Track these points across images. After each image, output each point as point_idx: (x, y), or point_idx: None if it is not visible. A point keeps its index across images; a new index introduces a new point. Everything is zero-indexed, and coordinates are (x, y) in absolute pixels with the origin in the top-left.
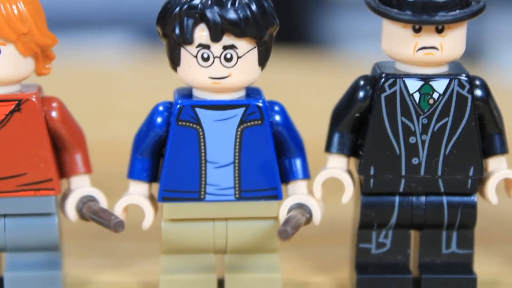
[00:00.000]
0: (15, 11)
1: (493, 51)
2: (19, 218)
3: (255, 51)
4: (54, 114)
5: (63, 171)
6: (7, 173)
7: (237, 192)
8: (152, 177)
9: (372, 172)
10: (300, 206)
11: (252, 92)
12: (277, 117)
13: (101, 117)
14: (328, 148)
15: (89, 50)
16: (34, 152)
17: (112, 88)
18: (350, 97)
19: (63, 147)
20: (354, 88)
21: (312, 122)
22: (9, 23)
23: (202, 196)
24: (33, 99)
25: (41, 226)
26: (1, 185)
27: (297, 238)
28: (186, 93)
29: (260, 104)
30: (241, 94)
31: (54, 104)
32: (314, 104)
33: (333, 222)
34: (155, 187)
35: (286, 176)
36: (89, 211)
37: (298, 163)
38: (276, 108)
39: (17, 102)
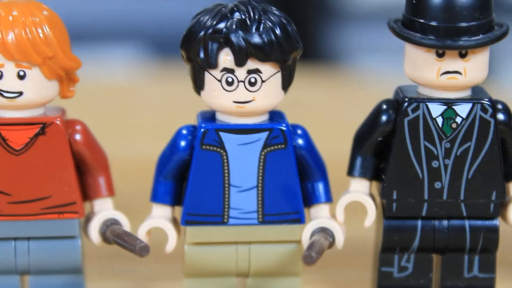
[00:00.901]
0: (41, 35)
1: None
2: (43, 241)
3: (279, 75)
4: (78, 137)
5: (86, 194)
6: (31, 196)
7: (260, 216)
8: (175, 201)
9: (395, 196)
10: (323, 230)
11: (275, 116)
12: (300, 141)
13: (112, 133)
14: (350, 172)
15: (98, 64)
16: (58, 175)
17: (122, 103)
18: (373, 120)
19: (86, 170)
20: (377, 112)
21: (327, 139)
22: (34, 47)
23: (225, 220)
24: (58, 122)
25: (64, 249)
26: (25, 208)
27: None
28: (209, 117)
29: (284, 128)
30: (264, 117)
31: (78, 127)
32: (328, 121)
33: (353, 245)
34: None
35: (309, 199)
36: (113, 234)
37: (320, 186)
38: (299, 131)
39: (41, 125)
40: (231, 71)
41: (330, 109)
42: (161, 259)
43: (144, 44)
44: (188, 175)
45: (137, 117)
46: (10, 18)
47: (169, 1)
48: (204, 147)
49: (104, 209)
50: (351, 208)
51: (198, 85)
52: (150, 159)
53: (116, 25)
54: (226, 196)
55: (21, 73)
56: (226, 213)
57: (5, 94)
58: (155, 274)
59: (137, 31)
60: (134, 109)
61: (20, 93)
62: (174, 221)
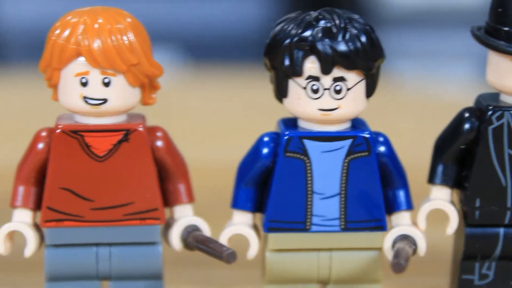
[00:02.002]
0: (126, 42)
1: None
2: (124, 247)
3: (363, 83)
4: (159, 143)
5: (167, 200)
6: (114, 202)
7: (342, 223)
8: (256, 207)
9: (477, 204)
10: (406, 238)
11: (357, 123)
12: (382, 148)
13: None
14: (431, 179)
15: None
16: (141, 182)
17: (159, 107)
18: (455, 128)
19: (166, 177)
20: (459, 120)
21: None
22: (120, 54)
23: (307, 227)
24: (141, 129)
25: (146, 255)
26: (108, 214)
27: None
28: (291, 124)
29: (367, 136)
30: (347, 125)
31: (159, 134)
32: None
33: (429, 252)
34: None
35: (390, 207)
36: (196, 240)
37: (401, 194)
38: (381, 139)
39: (125, 132)
40: (316, 79)
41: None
42: (237, 265)
43: (175, 48)
44: (270, 182)
45: (172, 121)
46: (96, 25)
47: (198, 6)
48: (287, 154)
49: (184, 215)
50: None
51: (282, 93)
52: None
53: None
54: (309, 203)
55: (106, 80)
56: (308, 220)
57: (90, 101)
58: (232, 280)
59: (168, 35)
60: (170, 113)
61: (105, 100)
62: (255, 227)
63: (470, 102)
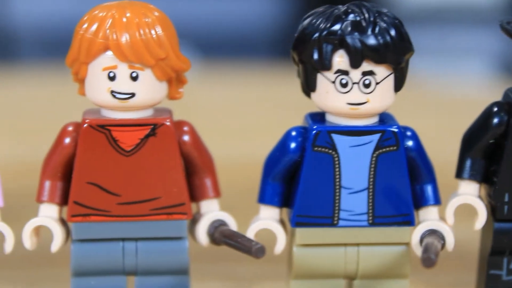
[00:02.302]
0: (154, 36)
1: None
2: (150, 242)
3: (392, 77)
4: (186, 138)
5: (193, 195)
6: (141, 197)
7: (370, 218)
8: (283, 202)
9: (506, 199)
10: (434, 232)
11: (385, 118)
12: (410, 143)
13: None
14: (459, 174)
15: None
16: (168, 176)
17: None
18: (483, 123)
19: (193, 171)
20: (488, 114)
21: None
22: (148, 48)
23: (335, 222)
24: (168, 124)
25: (172, 250)
26: (134, 209)
27: (417, 263)
28: (319, 118)
29: (396, 130)
30: (375, 119)
31: (186, 128)
32: None
33: (455, 247)
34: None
35: (418, 201)
36: (223, 235)
37: (429, 189)
38: (409, 133)
39: (152, 126)
40: (345, 72)
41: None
42: (262, 260)
43: (186, 45)
44: (297, 177)
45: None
46: (124, 19)
47: (209, 3)
48: (315, 148)
49: (211, 210)
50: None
51: (310, 87)
52: None
53: None
54: (337, 197)
55: (134, 75)
56: (336, 214)
57: (118, 96)
58: (257, 275)
59: (179, 33)
60: (185, 110)
61: (133, 95)
62: (282, 222)
63: (486, 98)
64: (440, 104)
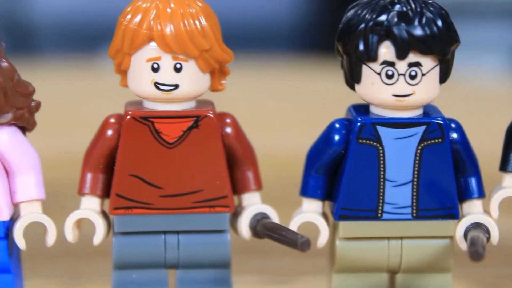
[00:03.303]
0: (198, 27)
1: None
2: (192, 235)
3: (438, 68)
4: (229, 130)
5: (235, 187)
6: (183, 190)
7: (414, 211)
8: (326, 195)
9: None
10: (478, 226)
11: (429, 110)
12: (455, 135)
13: None
14: (504, 167)
15: None
16: (210, 169)
17: None
18: None
19: (235, 164)
20: None
21: None
22: (192, 39)
23: (379, 215)
24: (211, 115)
25: (214, 243)
26: (177, 201)
27: (460, 257)
28: (362, 110)
29: (442, 122)
30: (419, 111)
31: (228, 120)
32: None
33: (499, 240)
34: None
35: (462, 195)
36: (266, 228)
37: (473, 181)
38: (453, 125)
39: (195, 118)
40: (391, 64)
41: None
42: (300, 253)
43: None
44: (341, 169)
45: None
46: (168, 10)
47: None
48: (360, 141)
49: (252, 203)
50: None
51: (355, 78)
52: None
53: None
54: (381, 190)
55: (178, 66)
56: (380, 208)
57: (162, 87)
58: (295, 269)
59: None
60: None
61: (176, 86)
62: (325, 215)
63: (507, 91)
64: (465, 96)
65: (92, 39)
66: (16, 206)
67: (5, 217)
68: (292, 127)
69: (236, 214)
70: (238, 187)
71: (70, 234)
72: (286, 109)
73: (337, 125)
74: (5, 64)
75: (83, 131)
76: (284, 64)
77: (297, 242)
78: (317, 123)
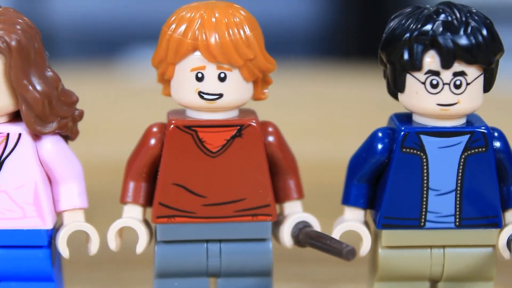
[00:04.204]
0: (243, 36)
1: None
2: (234, 244)
3: (482, 77)
4: (271, 139)
5: (276, 196)
6: (226, 199)
7: (457, 220)
8: (368, 204)
9: None
10: None
11: (472, 119)
12: (498, 144)
13: None
14: None
15: None
16: (253, 178)
17: None
18: None
19: (276, 172)
20: None
21: None
22: (237, 49)
23: (422, 224)
24: (254, 124)
25: (256, 252)
26: (219, 210)
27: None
28: (405, 119)
29: (485, 131)
30: (463, 120)
31: (271, 129)
32: None
33: None
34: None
35: (505, 203)
36: (309, 237)
37: None
38: (496, 134)
39: (238, 127)
40: (436, 73)
41: None
42: (341, 262)
43: None
44: (384, 178)
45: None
46: (213, 19)
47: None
48: (404, 150)
49: (294, 211)
50: None
51: (398, 88)
52: None
53: None
54: (424, 199)
55: (222, 75)
56: (423, 216)
57: (206, 96)
58: (336, 277)
59: None
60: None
61: (220, 95)
62: (367, 224)
63: None
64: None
65: (111, 44)
66: (59, 214)
67: (49, 225)
68: (327, 135)
69: (277, 222)
70: (279, 196)
71: (113, 242)
72: (316, 116)
73: (380, 134)
74: (50, 73)
75: (111, 137)
76: (308, 69)
77: (342, 251)
78: (352, 130)
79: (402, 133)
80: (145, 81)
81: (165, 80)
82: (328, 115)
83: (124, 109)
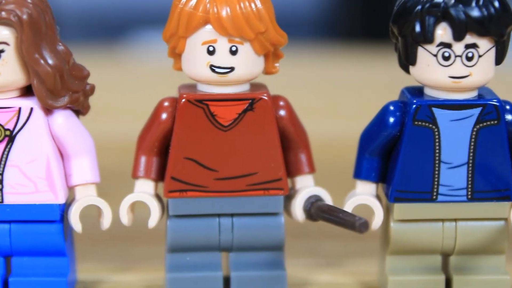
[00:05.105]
0: (254, 9)
1: None
2: (246, 218)
3: (494, 50)
4: (283, 112)
5: (288, 170)
6: (238, 173)
7: (469, 193)
8: (380, 177)
9: None
10: None
11: (483, 91)
12: (510, 117)
13: None
14: None
15: None
16: (265, 152)
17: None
18: None
19: (288, 147)
20: None
21: None
22: (248, 22)
23: (434, 197)
24: (266, 98)
25: (268, 226)
26: (231, 184)
27: None
28: (416, 92)
29: (497, 104)
30: (474, 93)
31: (282, 103)
32: None
33: None
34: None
35: None
36: (321, 210)
37: None
38: (508, 107)
39: (250, 101)
40: (448, 45)
41: None
42: (350, 236)
43: None
44: (396, 152)
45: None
46: None
47: None
48: (416, 123)
49: (306, 185)
50: None
51: (410, 60)
52: None
53: None
54: (436, 172)
55: (233, 49)
56: (435, 190)
57: (217, 70)
58: (346, 252)
59: None
60: None
61: (232, 69)
62: (378, 198)
63: None
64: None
65: (116, 27)
66: (70, 189)
67: (61, 200)
68: (333, 114)
69: (289, 197)
70: (291, 170)
71: (126, 217)
72: (322, 95)
73: (392, 107)
74: (61, 47)
75: (118, 118)
76: (313, 51)
77: (355, 223)
78: (355, 110)
79: (414, 106)
80: (151, 63)
81: (176, 54)
82: (332, 95)
83: (130, 91)
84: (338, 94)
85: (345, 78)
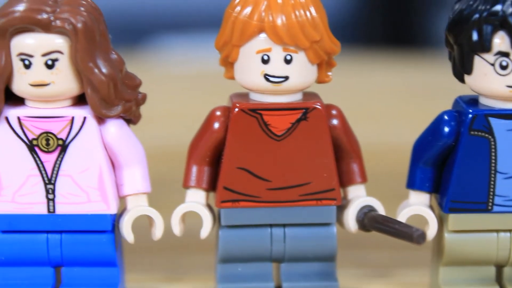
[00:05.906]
0: (309, 18)
1: None
2: (298, 228)
3: None
4: (335, 122)
5: (340, 180)
6: (290, 183)
7: None
8: (434, 188)
9: None
10: None
11: None
12: None
13: None
14: None
15: None
16: (318, 161)
17: None
18: None
19: (340, 156)
20: None
21: None
22: (303, 30)
23: (489, 207)
24: (319, 107)
25: (320, 236)
26: (284, 194)
27: None
28: (471, 101)
29: None
30: None
31: (335, 112)
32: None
33: None
34: None
35: None
36: (375, 221)
37: None
38: None
39: (304, 110)
40: (506, 54)
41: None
42: (400, 246)
43: None
44: (451, 162)
45: None
46: (279, 1)
47: None
48: (472, 132)
49: (358, 195)
50: None
51: (466, 69)
52: None
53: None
54: (492, 183)
55: (288, 57)
56: (491, 200)
57: (272, 79)
58: (395, 262)
59: None
60: None
61: (286, 78)
62: (432, 208)
63: None
64: None
65: (138, 32)
66: (121, 199)
67: (113, 210)
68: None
69: (341, 207)
70: (343, 180)
71: (177, 227)
72: (372, 102)
73: (446, 117)
74: (114, 56)
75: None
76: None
77: (413, 235)
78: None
79: (470, 115)
80: (173, 68)
81: (229, 63)
82: (366, 101)
83: (154, 96)
84: (372, 100)
85: (376, 84)
